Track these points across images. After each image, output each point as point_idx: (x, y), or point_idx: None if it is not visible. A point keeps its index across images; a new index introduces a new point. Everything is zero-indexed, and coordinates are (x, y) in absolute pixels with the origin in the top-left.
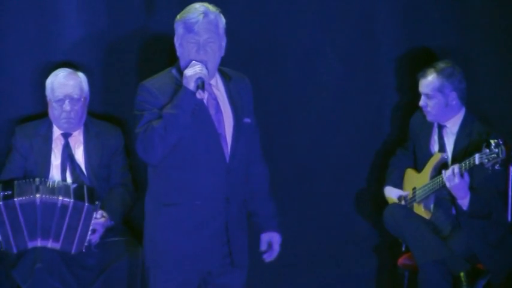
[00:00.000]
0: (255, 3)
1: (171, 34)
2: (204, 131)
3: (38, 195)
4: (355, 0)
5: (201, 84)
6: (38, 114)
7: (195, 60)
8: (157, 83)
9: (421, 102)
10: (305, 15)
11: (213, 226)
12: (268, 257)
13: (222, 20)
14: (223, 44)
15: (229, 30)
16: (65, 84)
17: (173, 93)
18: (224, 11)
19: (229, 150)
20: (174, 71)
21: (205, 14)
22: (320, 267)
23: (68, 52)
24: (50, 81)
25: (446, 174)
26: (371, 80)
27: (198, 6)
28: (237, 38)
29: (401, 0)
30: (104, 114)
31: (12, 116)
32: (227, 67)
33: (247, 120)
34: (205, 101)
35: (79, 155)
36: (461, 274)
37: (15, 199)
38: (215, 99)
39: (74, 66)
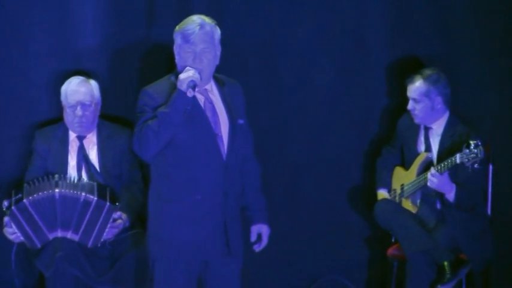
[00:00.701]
0: (252, 13)
1: (169, 43)
2: (203, 132)
3: (57, 190)
4: (348, 10)
5: (193, 86)
6: (55, 118)
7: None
8: (158, 88)
9: (409, 106)
10: (300, 24)
11: (213, 219)
12: (258, 248)
13: (218, 31)
14: (218, 53)
15: (228, 39)
16: (77, 91)
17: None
18: (223, 21)
19: (225, 149)
20: (173, 78)
21: (202, 25)
22: (315, 258)
23: (82, 60)
24: (64, 88)
25: (428, 180)
26: (362, 85)
27: (195, 18)
28: (235, 45)
29: (391, 12)
30: (114, 116)
31: (33, 121)
32: (233, 73)
33: (241, 121)
34: (201, 103)
35: (93, 155)
36: (445, 263)
37: (25, 200)
38: (211, 103)
39: (87, 73)
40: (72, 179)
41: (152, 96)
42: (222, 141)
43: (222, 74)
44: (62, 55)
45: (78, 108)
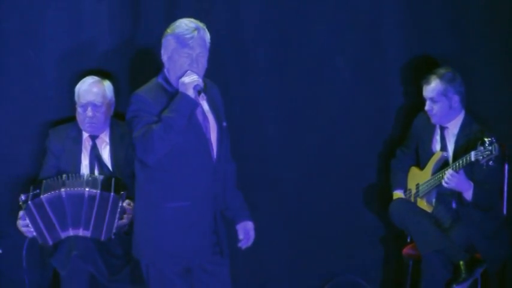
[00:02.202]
0: (267, 13)
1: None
2: (195, 138)
3: (63, 189)
4: (363, 11)
5: (200, 90)
6: (70, 117)
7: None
8: (149, 91)
9: (427, 107)
10: (315, 24)
11: (204, 222)
12: (245, 244)
13: (208, 35)
14: (207, 56)
15: (243, 39)
16: (89, 92)
17: (165, 101)
18: (233, 20)
19: (215, 153)
20: (160, 80)
21: (198, 29)
22: (331, 257)
23: (98, 60)
24: (77, 87)
25: (445, 179)
26: (377, 84)
27: (188, 22)
28: (249, 45)
29: (406, 11)
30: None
31: (48, 119)
32: (246, 73)
33: (224, 124)
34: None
35: (106, 155)
36: (461, 263)
37: (42, 196)
38: (201, 106)
39: (103, 73)
40: (80, 177)
41: (146, 101)
42: (212, 145)
43: (236, 74)
44: (78, 55)
45: (89, 108)
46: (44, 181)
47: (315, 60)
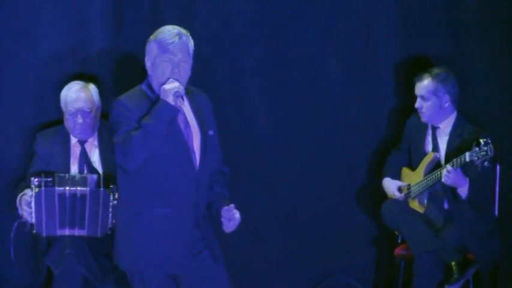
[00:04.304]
0: (260, 14)
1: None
2: (176, 144)
3: (67, 188)
4: (356, 11)
5: (180, 97)
6: (57, 120)
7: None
8: (131, 98)
9: (417, 104)
10: (308, 24)
11: (185, 230)
12: (232, 228)
13: (192, 42)
14: (191, 64)
15: (236, 39)
16: (76, 99)
17: (147, 107)
18: (225, 22)
19: (198, 161)
20: (144, 87)
21: (180, 35)
22: (322, 258)
23: (90, 62)
24: (63, 94)
25: (443, 176)
26: (370, 85)
27: (170, 27)
28: (242, 46)
29: (399, 12)
30: None
31: (43, 121)
32: (239, 75)
33: (211, 132)
34: (180, 112)
35: (95, 158)
36: (453, 263)
37: (56, 188)
38: (183, 114)
39: (89, 77)
40: (72, 176)
41: (127, 107)
42: (194, 153)
43: (230, 75)
44: (71, 56)
45: (79, 116)
46: (56, 174)
47: (307, 61)
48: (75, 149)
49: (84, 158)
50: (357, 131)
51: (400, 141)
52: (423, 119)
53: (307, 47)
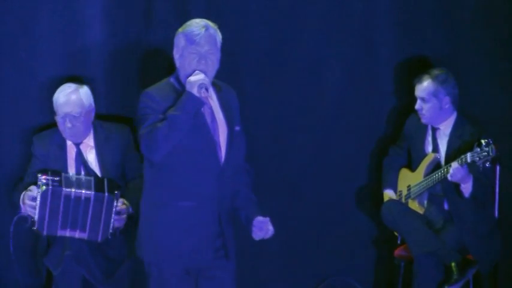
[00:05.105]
0: (259, 15)
1: (168, 47)
2: (202, 138)
3: (73, 190)
4: (356, 11)
5: (205, 89)
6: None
7: (197, 70)
8: (159, 90)
9: (417, 106)
10: (308, 25)
11: (207, 225)
12: (266, 235)
13: (219, 35)
14: (219, 57)
15: (234, 41)
16: (65, 104)
17: (174, 99)
18: (226, 23)
19: (223, 156)
20: (172, 80)
21: (207, 27)
22: (322, 258)
23: (88, 62)
24: (55, 97)
25: (451, 172)
26: (370, 85)
27: (198, 20)
28: (241, 47)
29: (399, 12)
30: (111, 114)
31: (41, 122)
32: (240, 76)
33: (237, 128)
34: (203, 108)
35: (92, 159)
36: (453, 264)
37: (63, 188)
38: (210, 108)
39: (80, 78)
40: (77, 177)
41: (154, 99)
42: (220, 147)
43: (229, 76)
44: (69, 56)
45: (67, 120)
46: (63, 174)
47: (307, 61)
48: (71, 151)
49: (81, 160)
50: (356, 132)
51: (398, 139)
52: (423, 121)
53: (307, 48)
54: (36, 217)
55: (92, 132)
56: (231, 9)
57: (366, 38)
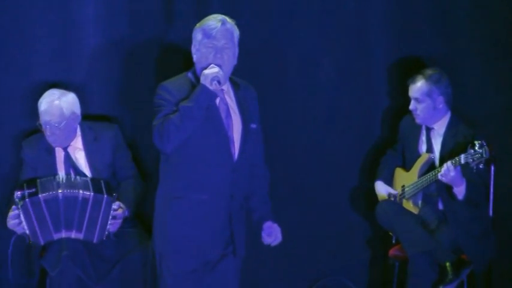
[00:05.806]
0: (254, 15)
1: (184, 43)
2: (215, 133)
3: (60, 191)
4: (350, 11)
5: (217, 82)
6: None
7: (212, 64)
8: (175, 83)
9: (411, 106)
10: (303, 26)
11: (218, 219)
12: (273, 242)
13: (237, 31)
14: (236, 53)
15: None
16: (45, 112)
17: (189, 93)
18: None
19: (236, 152)
20: (189, 75)
21: (223, 22)
22: (316, 258)
23: (85, 61)
24: (38, 103)
25: (441, 172)
26: (364, 86)
27: (216, 15)
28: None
29: (393, 13)
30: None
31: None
32: (235, 75)
33: (254, 126)
34: (217, 104)
35: (81, 161)
36: (447, 264)
37: (40, 195)
38: (226, 104)
39: (65, 85)
40: (71, 178)
41: (171, 92)
42: (234, 143)
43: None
44: (66, 56)
45: (48, 128)
46: (38, 180)
47: (301, 61)
48: (60, 154)
49: (70, 162)
50: (351, 132)
51: (396, 141)
52: (418, 121)
53: (301, 48)
54: (27, 232)
55: (79, 134)
56: (229, 8)
57: (360, 38)
